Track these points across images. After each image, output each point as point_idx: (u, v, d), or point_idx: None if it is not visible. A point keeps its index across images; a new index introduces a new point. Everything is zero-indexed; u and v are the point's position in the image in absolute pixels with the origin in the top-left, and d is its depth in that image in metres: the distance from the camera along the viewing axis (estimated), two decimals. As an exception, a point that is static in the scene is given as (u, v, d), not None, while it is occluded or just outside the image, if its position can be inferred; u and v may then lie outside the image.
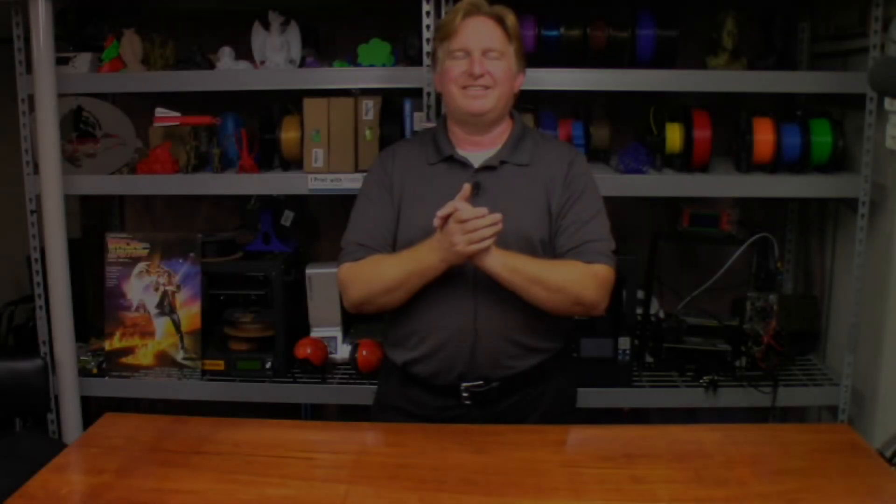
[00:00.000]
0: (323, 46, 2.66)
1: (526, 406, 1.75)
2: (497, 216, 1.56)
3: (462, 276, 1.67)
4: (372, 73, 2.33)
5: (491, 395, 1.72)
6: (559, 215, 1.72)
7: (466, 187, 1.59)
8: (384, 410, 1.83)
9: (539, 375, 1.76)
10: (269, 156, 2.50)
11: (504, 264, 1.61)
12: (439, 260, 1.61)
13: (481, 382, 1.71)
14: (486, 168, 1.73)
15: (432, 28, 2.23)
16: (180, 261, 2.46)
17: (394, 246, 1.75)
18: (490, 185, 1.71)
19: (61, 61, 2.36)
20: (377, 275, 1.68)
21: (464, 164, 1.74)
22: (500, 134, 1.77)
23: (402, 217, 1.74)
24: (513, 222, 1.66)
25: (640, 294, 2.45)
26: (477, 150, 1.75)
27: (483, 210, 1.56)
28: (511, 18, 1.72)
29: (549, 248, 1.72)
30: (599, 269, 1.68)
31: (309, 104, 2.37)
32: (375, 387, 2.36)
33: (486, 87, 1.69)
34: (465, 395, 1.71)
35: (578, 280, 1.66)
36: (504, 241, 1.65)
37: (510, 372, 1.72)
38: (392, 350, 1.81)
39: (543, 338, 1.74)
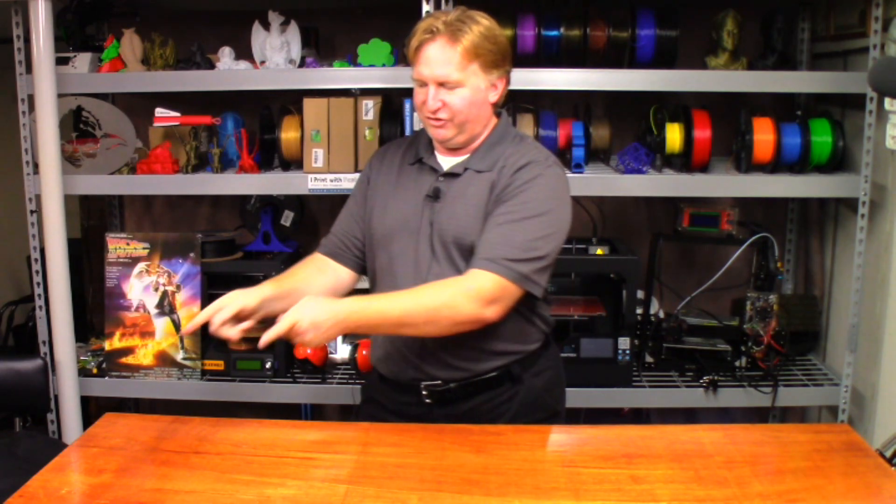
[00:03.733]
0: (323, 46, 2.66)
1: (491, 409, 1.72)
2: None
3: (416, 277, 1.66)
4: (372, 73, 2.33)
5: (450, 395, 1.71)
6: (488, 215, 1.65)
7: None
8: (366, 402, 1.87)
9: (505, 379, 1.72)
10: (269, 156, 2.50)
11: (357, 326, 1.58)
12: None
13: (439, 382, 1.71)
14: (451, 174, 1.71)
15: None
16: (180, 261, 2.46)
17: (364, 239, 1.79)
18: (448, 191, 1.69)
19: (61, 61, 2.36)
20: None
21: (433, 169, 1.73)
22: (480, 141, 1.73)
23: (371, 214, 1.76)
24: (451, 230, 1.66)
25: (640, 294, 2.45)
26: (453, 156, 1.73)
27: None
28: (470, 36, 1.59)
29: None
30: (475, 280, 1.56)
31: (309, 104, 2.37)
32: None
33: (444, 119, 1.64)
34: (424, 393, 1.72)
35: (446, 303, 1.55)
36: (446, 248, 1.66)
37: (467, 374, 1.70)
38: (371, 348, 1.86)
39: (505, 340, 1.70)
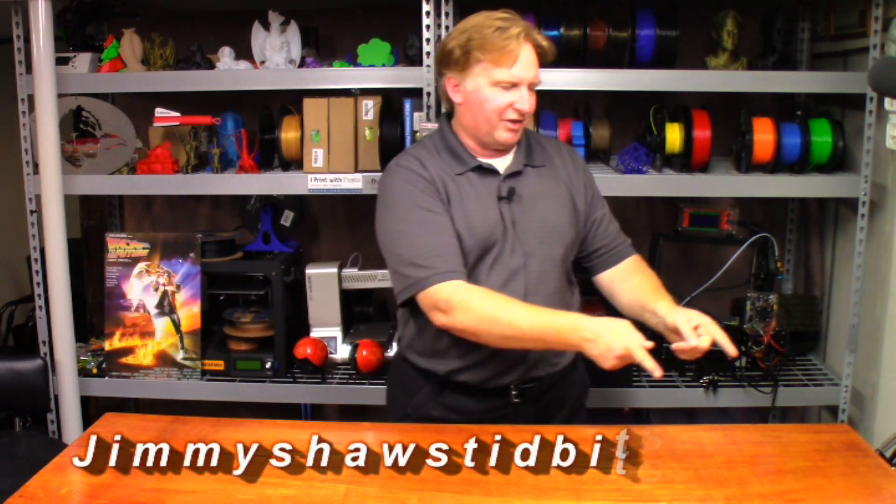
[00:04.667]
0: (323, 46, 2.66)
1: (562, 397, 1.81)
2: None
3: (514, 280, 1.68)
4: (372, 73, 2.33)
5: (538, 390, 1.75)
6: (589, 211, 1.80)
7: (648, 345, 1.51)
8: (418, 421, 1.77)
9: (572, 367, 1.82)
10: (269, 156, 2.50)
11: None
12: (576, 345, 1.54)
13: (531, 381, 1.74)
14: (513, 174, 1.73)
15: (432, 28, 2.23)
16: (180, 261, 2.46)
17: None
18: (521, 190, 1.72)
19: (61, 61, 2.36)
20: (503, 318, 1.57)
21: (491, 172, 1.73)
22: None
23: (456, 225, 1.68)
24: (550, 224, 1.71)
25: (640, 294, 2.45)
26: (494, 157, 1.75)
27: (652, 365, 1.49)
28: (545, 43, 1.68)
29: (574, 245, 1.78)
30: (639, 257, 1.85)
31: (309, 104, 2.37)
32: (375, 387, 2.37)
33: (523, 121, 1.69)
34: (514, 393, 1.73)
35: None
36: (546, 241, 1.70)
37: (555, 369, 1.76)
38: (429, 360, 1.76)
39: None
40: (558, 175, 1.77)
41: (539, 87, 2.26)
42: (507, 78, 1.63)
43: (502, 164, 1.74)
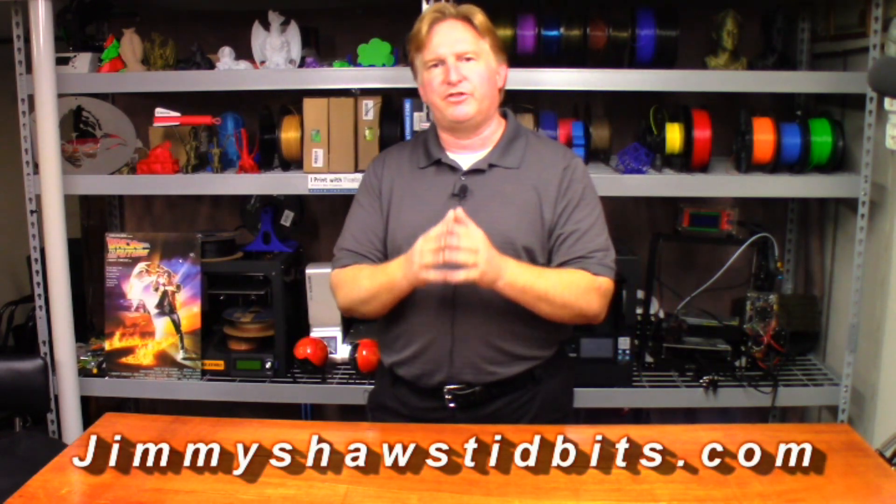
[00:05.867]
0: (323, 46, 2.67)
1: (513, 411, 1.74)
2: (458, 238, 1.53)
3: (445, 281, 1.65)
4: (372, 73, 2.33)
5: (474, 398, 1.72)
6: (556, 224, 1.69)
7: (450, 214, 1.55)
8: (375, 409, 1.85)
9: (527, 381, 1.74)
10: (269, 156, 2.50)
11: (512, 284, 1.59)
12: (402, 276, 1.61)
13: (464, 386, 1.71)
14: (474, 171, 1.72)
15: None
16: (180, 261, 2.46)
17: (385, 250, 1.75)
18: (476, 189, 1.70)
19: (61, 61, 2.36)
20: (355, 285, 1.70)
21: (452, 168, 1.73)
22: (491, 135, 1.75)
23: (391, 221, 1.74)
24: (496, 227, 1.64)
25: (640, 294, 2.45)
26: (466, 153, 1.74)
27: (445, 229, 1.54)
28: (479, 15, 1.69)
29: (534, 255, 1.69)
30: (603, 282, 1.68)
31: (309, 104, 2.37)
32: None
33: (466, 93, 1.66)
34: (448, 397, 1.71)
35: (583, 295, 1.65)
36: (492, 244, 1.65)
37: (493, 378, 1.70)
38: (382, 351, 1.83)
39: (531, 346, 1.72)
40: (528, 178, 1.70)
41: (539, 88, 2.31)
42: (429, 57, 1.68)
43: (470, 160, 1.73)
